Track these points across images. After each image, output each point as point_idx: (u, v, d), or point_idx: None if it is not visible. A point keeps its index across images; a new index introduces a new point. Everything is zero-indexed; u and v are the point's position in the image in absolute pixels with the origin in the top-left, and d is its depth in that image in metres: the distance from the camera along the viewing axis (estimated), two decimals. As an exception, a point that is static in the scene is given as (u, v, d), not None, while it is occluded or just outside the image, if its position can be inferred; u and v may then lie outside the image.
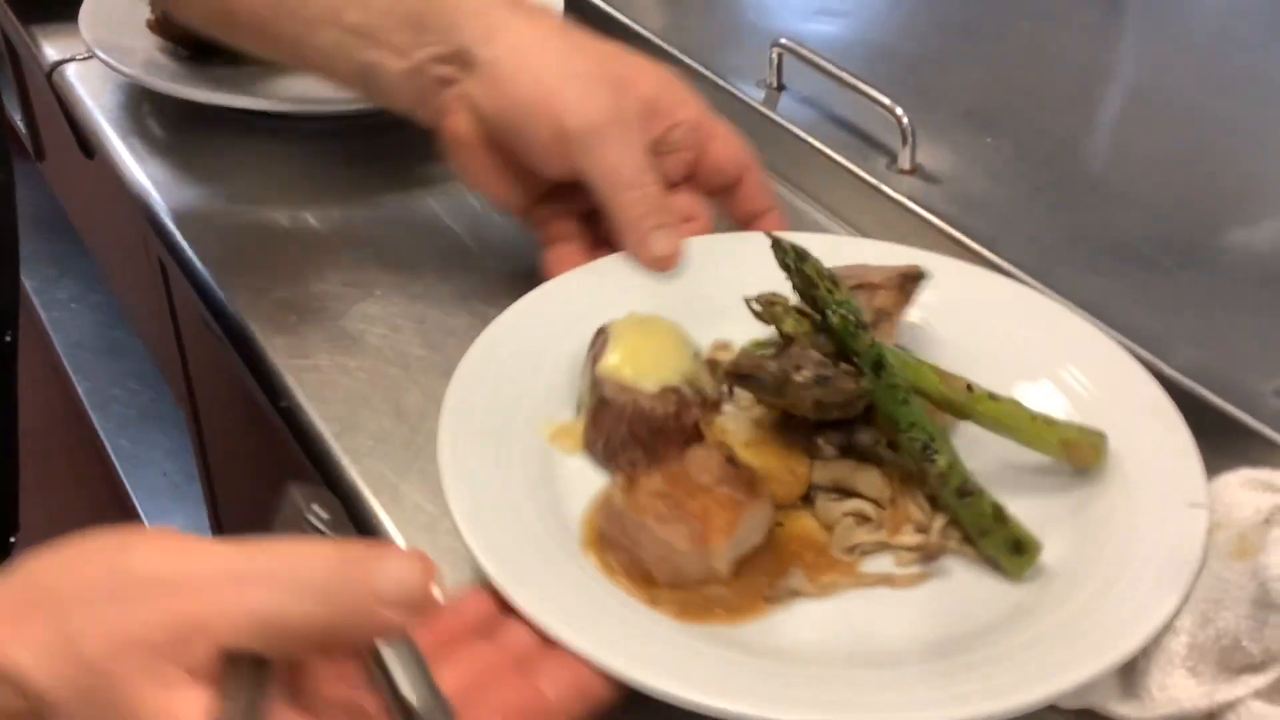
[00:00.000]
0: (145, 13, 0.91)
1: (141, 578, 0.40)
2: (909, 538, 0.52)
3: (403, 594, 0.40)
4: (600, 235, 0.68)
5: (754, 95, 0.83)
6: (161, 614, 0.39)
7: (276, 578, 0.40)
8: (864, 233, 0.76)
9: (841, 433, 0.54)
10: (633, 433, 0.54)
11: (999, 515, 0.50)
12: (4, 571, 0.40)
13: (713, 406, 0.57)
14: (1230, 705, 0.46)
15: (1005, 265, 0.68)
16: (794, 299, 0.55)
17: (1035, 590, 0.50)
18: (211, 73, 0.88)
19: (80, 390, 1.71)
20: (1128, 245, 0.72)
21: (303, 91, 0.85)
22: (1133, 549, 0.50)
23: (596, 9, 0.94)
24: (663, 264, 0.65)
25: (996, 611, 0.49)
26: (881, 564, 0.52)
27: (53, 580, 0.40)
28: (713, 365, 0.59)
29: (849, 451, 0.54)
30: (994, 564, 0.51)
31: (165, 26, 0.90)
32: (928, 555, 0.51)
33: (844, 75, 0.79)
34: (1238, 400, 0.59)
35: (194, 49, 0.90)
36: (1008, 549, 0.50)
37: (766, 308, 0.55)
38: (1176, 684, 0.47)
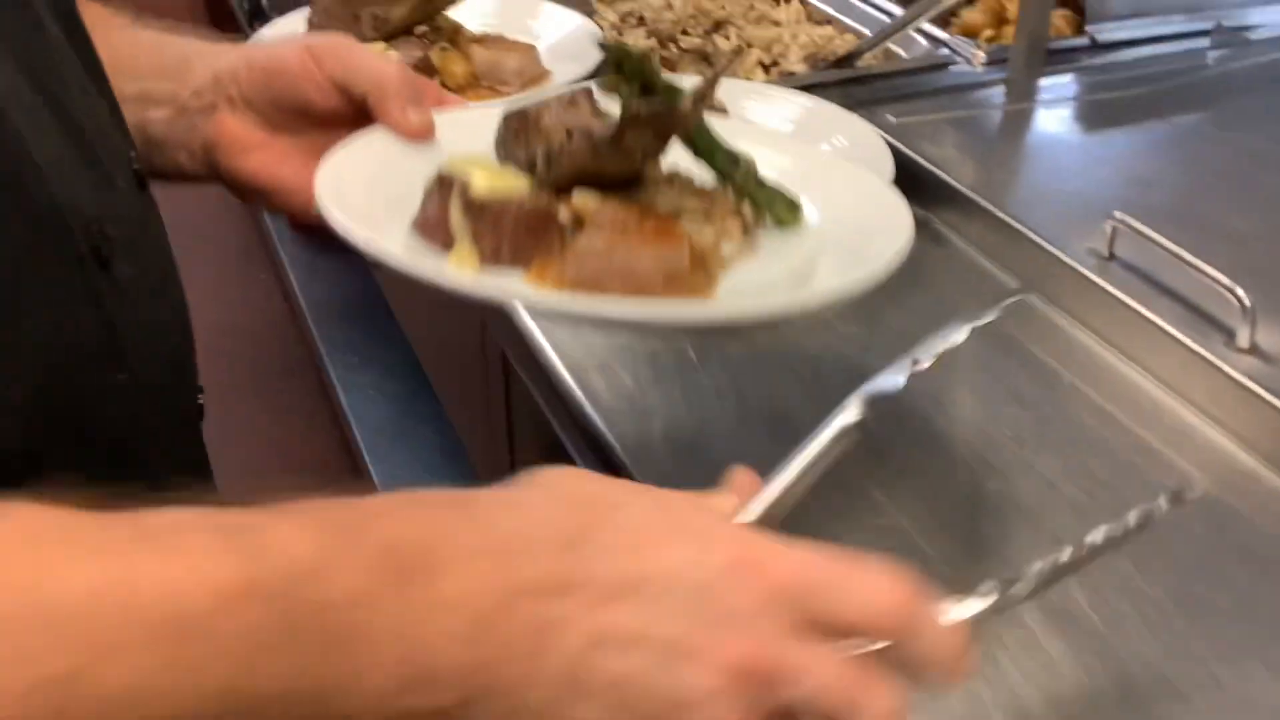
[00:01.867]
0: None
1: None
2: (734, 220, 0.68)
3: None
4: None
5: (1085, 262, 0.85)
6: None
7: None
8: (1200, 409, 0.76)
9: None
10: (528, 228, 0.63)
11: (779, 189, 0.70)
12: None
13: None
14: None
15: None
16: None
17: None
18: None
19: (374, 474, 1.82)
20: None
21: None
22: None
23: (924, 170, 0.98)
24: (421, 133, 0.72)
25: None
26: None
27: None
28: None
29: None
30: (780, 220, 0.69)
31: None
32: (749, 227, 0.69)
33: (1181, 253, 0.80)
34: None
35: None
36: (789, 208, 0.70)
37: (613, 78, 0.72)
38: None
